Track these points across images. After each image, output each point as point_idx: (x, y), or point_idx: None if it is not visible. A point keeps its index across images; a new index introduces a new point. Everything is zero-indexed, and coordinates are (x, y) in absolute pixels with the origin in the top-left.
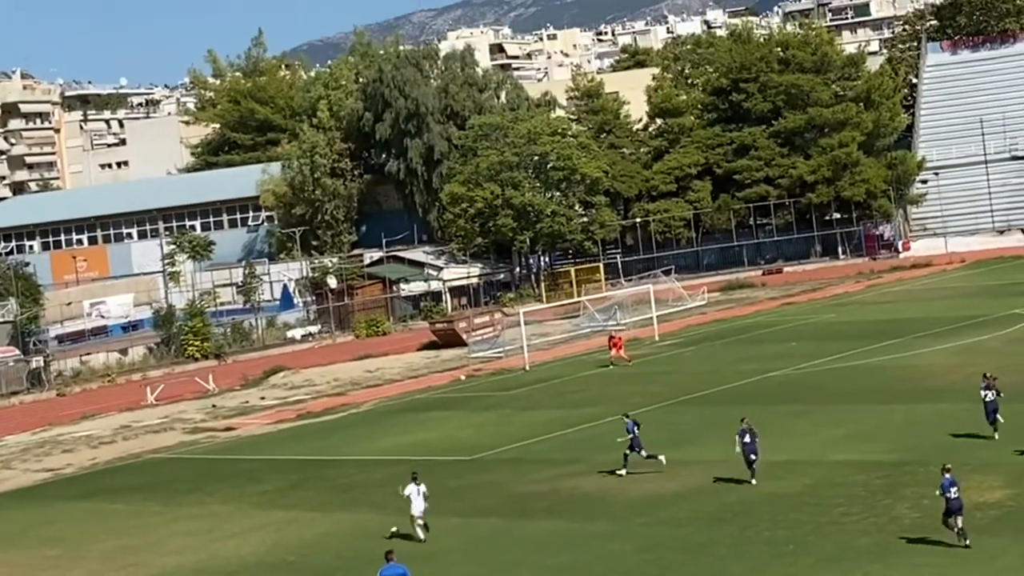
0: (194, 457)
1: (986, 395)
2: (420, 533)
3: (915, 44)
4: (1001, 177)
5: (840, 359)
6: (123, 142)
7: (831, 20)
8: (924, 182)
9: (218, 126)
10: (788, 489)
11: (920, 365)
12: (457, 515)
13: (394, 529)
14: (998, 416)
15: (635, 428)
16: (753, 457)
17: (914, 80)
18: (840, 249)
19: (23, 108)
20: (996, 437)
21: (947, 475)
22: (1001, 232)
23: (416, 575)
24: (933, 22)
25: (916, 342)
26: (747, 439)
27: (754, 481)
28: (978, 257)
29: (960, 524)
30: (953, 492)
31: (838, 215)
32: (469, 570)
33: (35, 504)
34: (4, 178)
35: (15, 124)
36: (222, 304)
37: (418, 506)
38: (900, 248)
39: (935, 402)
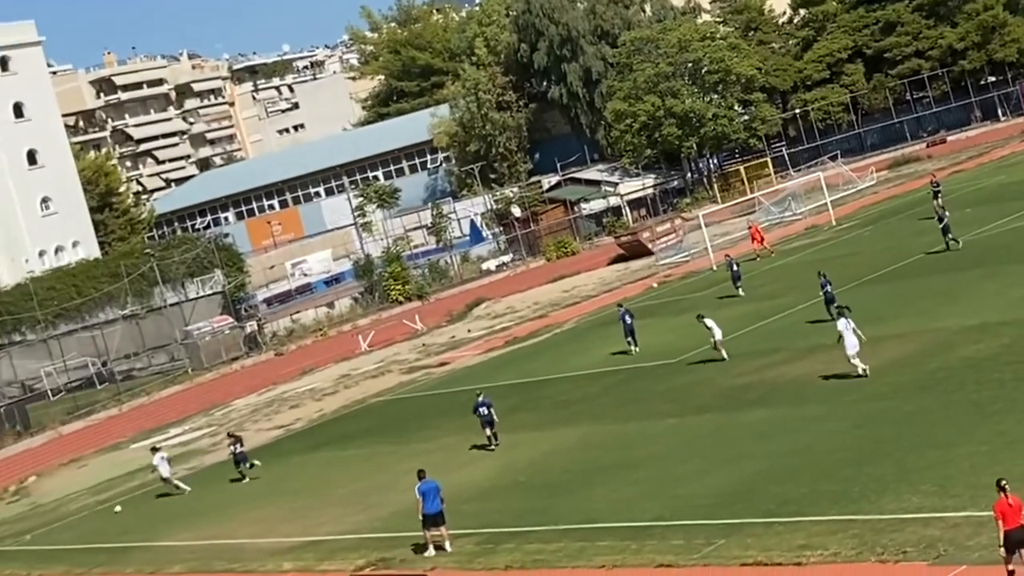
0: (415, 395)
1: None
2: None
3: None
4: None
5: (1019, 218)
6: (296, 106)
7: None
8: None
9: (383, 78)
10: (986, 351)
11: None
12: (672, 416)
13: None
14: None
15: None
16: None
17: None
18: (999, 111)
19: (196, 87)
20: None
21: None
22: None
23: (643, 476)
24: None
25: None
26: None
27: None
28: None
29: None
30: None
31: (993, 78)
32: (696, 466)
33: (272, 460)
34: (189, 156)
35: (191, 103)
36: (416, 247)
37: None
38: None
39: None
